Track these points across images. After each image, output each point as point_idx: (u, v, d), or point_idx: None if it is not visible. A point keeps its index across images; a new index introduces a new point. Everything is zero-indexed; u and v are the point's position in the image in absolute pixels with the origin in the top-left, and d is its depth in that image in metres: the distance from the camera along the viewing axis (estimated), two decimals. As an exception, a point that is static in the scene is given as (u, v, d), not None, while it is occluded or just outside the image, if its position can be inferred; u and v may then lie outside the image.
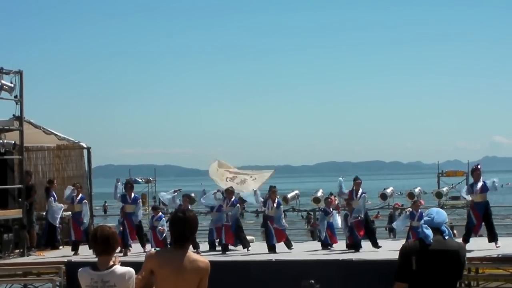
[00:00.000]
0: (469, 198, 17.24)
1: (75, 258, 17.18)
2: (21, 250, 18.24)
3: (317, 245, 19.20)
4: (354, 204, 17.93)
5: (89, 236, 6.64)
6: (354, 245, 17.66)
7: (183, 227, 5.92)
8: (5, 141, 17.69)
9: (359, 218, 17.71)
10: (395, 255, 6.35)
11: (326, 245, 18.47)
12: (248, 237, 20.56)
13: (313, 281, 14.15)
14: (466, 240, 16.34)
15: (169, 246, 15.46)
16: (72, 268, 15.41)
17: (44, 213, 20.47)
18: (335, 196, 20.98)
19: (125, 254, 17.52)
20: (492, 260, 15.59)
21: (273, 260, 16.34)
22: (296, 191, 25.57)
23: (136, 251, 18.14)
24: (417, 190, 24.78)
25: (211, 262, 6.03)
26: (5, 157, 18.19)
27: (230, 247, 18.43)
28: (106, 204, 60.43)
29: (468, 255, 11.60)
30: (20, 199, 18.29)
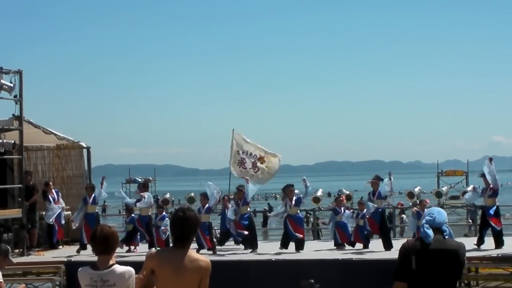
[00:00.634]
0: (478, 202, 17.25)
1: (74, 258, 17.19)
2: (21, 249, 18.24)
3: (317, 244, 19.21)
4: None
5: (89, 236, 6.65)
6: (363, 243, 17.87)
7: (183, 227, 5.91)
8: (4, 140, 17.66)
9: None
10: (395, 255, 6.35)
11: (339, 245, 18.44)
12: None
13: (313, 281, 14.16)
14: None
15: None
16: (71, 267, 15.42)
17: (43, 213, 20.48)
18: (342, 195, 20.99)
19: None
20: (491, 259, 15.60)
21: (273, 259, 16.33)
22: (296, 191, 25.48)
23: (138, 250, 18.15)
24: (416, 189, 24.68)
25: (211, 261, 6.03)
26: (4, 157, 18.17)
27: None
28: (106, 203, 60.48)
29: (467, 254, 11.57)
30: (19, 199, 18.28)
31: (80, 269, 6.27)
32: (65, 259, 16.90)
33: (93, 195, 19.17)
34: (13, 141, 17.87)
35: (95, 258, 6.34)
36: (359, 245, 18.04)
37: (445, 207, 24.86)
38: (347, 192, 24.77)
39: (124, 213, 24.41)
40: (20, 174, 18.52)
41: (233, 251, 18.25)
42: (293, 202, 17.99)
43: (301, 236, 17.83)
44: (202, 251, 17.14)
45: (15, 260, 17.59)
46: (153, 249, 8.38)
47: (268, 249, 18.03)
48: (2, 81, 17.28)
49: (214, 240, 18.67)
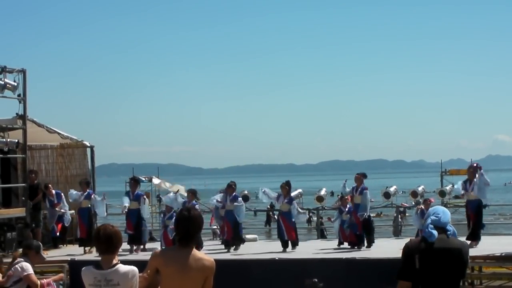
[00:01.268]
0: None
1: (78, 257, 17.21)
2: (25, 248, 18.25)
3: (320, 243, 19.19)
4: (355, 200, 18.01)
5: (93, 235, 6.65)
6: (356, 242, 17.83)
7: (188, 226, 5.93)
8: (8, 139, 17.69)
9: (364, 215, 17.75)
10: (398, 254, 6.34)
11: (343, 243, 18.49)
12: (251, 236, 20.58)
13: (316, 280, 14.14)
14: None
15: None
16: (75, 266, 15.41)
17: (47, 212, 20.53)
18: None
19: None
20: (495, 258, 15.58)
21: (276, 259, 16.33)
22: (299, 190, 25.43)
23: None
24: (420, 188, 24.69)
25: (215, 260, 6.03)
26: (8, 156, 18.20)
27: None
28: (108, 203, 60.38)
29: (471, 253, 11.56)
30: (23, 198, 18.31)
31: (83, 268, 6.28)
32: (69, 258, 16.91)
33: (87, 190, 19.27)
34: (16, 140, 17.89)
35: (98, 258, 6.34)
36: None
37: (448, 206, 24.79)
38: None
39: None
40: (24, 173, 18.55)
41: (237, 250, 18.27)
42: (286, 199, 18.09)
43: (293, 238, 17.87)
44: (204, 250, 17.15)
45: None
46: (158, 248, 8.39)
47: (271, 248, 18.02)
48: (5, 80, 17.29)
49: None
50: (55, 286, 11.39)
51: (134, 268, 6.18)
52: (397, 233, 24.40)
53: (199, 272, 5.89)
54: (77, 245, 19.37)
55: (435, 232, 5.91)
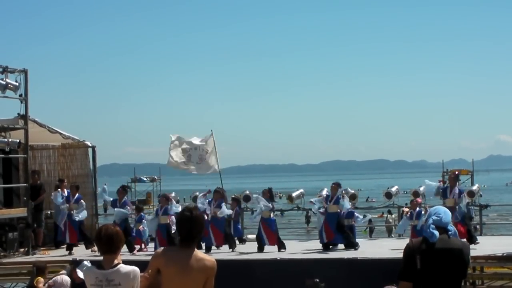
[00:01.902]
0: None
1: (79, 257, 17.19)
2: (26, 249, 18.27)
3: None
4: (329, 209, 18.04)
5: (94, 235, 6.66)
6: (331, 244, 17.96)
7: (190, 226, 5.94)
8: (10, 139, 17.70)
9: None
10: (399, 254, 6.34)
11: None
12: (252, 236, 20.55)
13: (317, 280, 14.15)
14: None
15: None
16: (77, 266, 15.40)
17: (49, 212, 20.53)
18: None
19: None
20: (497, 259, 15.58)
21: (278, 259, 16.34)
22: (301, 190, 25.41)
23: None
24: (421, 188, 24.62)
25: (216, 261, 6.03)
26: (10, 156, 18.21)
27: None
28: (106, 202, 60.26)
29: (473, 253, 11.57)
30: (25, 198, 18.31)
31: (85, 268, 6.29)
32: (70, 258, 16.91)
33: (76, 194, 19.21)
34: (18, 140, 17.90)
35: (98, 258, 6.35)
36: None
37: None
38: (352, 191, 24.72)
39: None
40: (26, 173, 18.55)
41: (238, 250, 18.29)
42: (269, 205, 18.12)
43: (273, 244, 17.84)
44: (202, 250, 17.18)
45: (19, 259, 17.70)
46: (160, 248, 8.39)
47: (273, 248, 18.02)
48: (7, 80, 17.32)
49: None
50: None
51: (136, 268, 6.18)
52: (389, 234, 24.32)
53: (200, 273, 5.89)
54: (80, 246, 19.34)
55: (436, 233, 5.90)
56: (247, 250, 18.29)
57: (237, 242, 19.09)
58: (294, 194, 25.01)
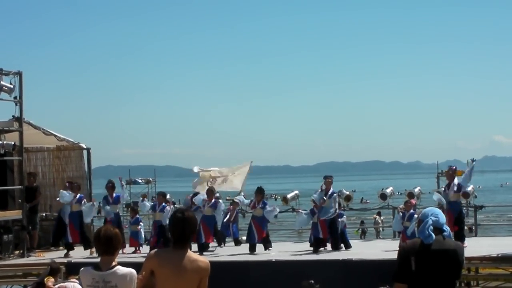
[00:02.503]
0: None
1: (75, 259, 17.19)
2: (21, 251, 18.25)
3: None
4: (323, 204, 18.03)
5: (93, 236, 6.67)
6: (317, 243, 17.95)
7: (183, 227, 5.95)
8: (4, 142, 17.70)
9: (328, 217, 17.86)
10: (394, 255, 6.35)
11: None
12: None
13: (312, 281, 14.14)
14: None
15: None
16: (72, 268, 15.40)
17: (44, 214, 20.52)
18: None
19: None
20: (491, 259, 15.59)
21: (273, 260, 16.35)
22: (296, 192, 25.44)
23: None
24: (416, 190, 24.65)
25: (210, 262, 6.05)
26: (4, 158, 18.20)
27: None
28: (100, 204, 60.13)
29: (467, 254, 11.60)
30: (20, 200, 18.30)
31: (82, 269, 6.30)
32: (66, 260, 16.90)
33: (78, 194, 19.26)
34: (13, 143, 17.90)
35: (93, 259, 6.36)
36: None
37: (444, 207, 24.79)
38: (347, 193, 24.76)
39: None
40: (20, 175, 18.55)
41: (233, 252, 18.30)
42: (260, 204, 18.24)
43: (263, 236, 18.04)
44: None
45: (14, 261, 17.68)
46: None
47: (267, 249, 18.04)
48: (2, 82, 17.31)
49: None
50: None
51: (133, 271, 6.19)
52: (377, 235, 24.30)
53: (194, 274, 5.90)
54: (78, 247, 19.32)
55: (433, 234, 5.91)
56: (243, 251, 18.30)
57: (233, 244, 19.17)
58: (289, 196, 25.05)
